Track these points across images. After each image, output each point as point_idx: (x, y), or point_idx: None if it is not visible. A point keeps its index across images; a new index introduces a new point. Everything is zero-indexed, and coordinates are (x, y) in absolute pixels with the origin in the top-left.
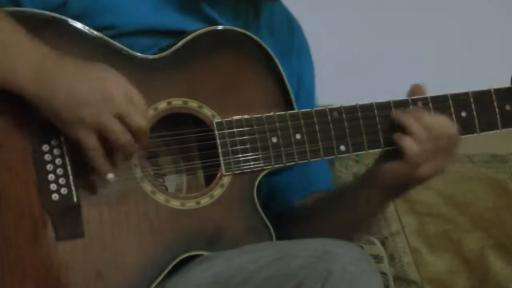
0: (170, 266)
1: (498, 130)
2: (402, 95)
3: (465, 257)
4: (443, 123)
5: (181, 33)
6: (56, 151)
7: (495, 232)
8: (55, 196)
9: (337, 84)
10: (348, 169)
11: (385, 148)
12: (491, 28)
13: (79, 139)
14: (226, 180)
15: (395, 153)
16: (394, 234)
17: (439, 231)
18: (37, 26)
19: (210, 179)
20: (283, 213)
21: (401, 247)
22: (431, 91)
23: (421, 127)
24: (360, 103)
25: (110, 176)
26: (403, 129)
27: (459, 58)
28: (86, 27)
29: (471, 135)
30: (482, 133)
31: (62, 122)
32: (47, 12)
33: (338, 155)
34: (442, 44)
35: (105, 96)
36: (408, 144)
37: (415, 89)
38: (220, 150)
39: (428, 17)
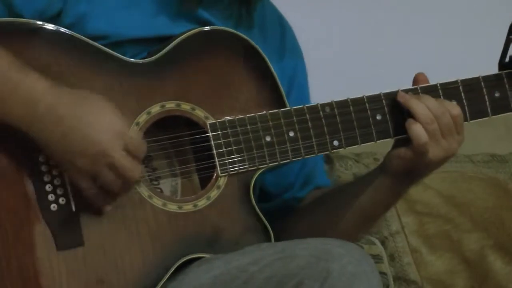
0: (171, 270)
1: (488, 118)
2: None
3: (465, 257)
4: (444, 103)
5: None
6: (52, 162)
7: (495, 232)
8: (53, 207)
9: (335, 85)
10: (348, 169)
11: (395, 138)
12: (491, 27)
13: (73, 179)
14: (222, 181)
15: (406, 139)
16: (394, 234)
17: (439, 231)
18: (28, 35)
19: (205, 180)
20: (287, 208)
21: (401, 247)
22: None
23: (425, 108)
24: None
25: (108, 208)
26: (408, 113)
27: (459, 57)
28: (78, 35)
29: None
30: (473, 120)
31: (56, 161)
32: (37, 21)
33: (332, 150)
34: (442, 44)
35: (100, 147)
36: (418, 132)
37: (419, 77)
38: (215, 151)
39: (428, 16)
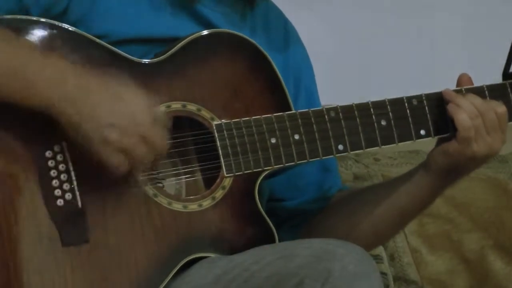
0: (175, 270)
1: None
2: (400, 94)
3: (465, 257)
4: (488, 101)
5: (176, 40)
6: (59, 157)
7: (495, 232)
8: (59, 202)
9: (335, 85)
10: (348, 169)
11: (439, 136)
12: (491, 28)
13: (102, 157)
14: (227, 182)
15: (448, 138)
16: None
17: (439, 231)
18: (32, 33)
19: (209, 181)
20: (305, 212)
21: (401, 247)
22: (430, 91)
23: (470, 104)
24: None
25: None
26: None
27: (458, 58)
28: (84, 33)
29: None
30: None
31: (84, 138)
32: (42, 19)
33: (337, 154)
34: (441, 44)
35: (131, 119)
36: (461, 116)
37: (463, 79)
38: (220, 152)
39: (428, 16)
